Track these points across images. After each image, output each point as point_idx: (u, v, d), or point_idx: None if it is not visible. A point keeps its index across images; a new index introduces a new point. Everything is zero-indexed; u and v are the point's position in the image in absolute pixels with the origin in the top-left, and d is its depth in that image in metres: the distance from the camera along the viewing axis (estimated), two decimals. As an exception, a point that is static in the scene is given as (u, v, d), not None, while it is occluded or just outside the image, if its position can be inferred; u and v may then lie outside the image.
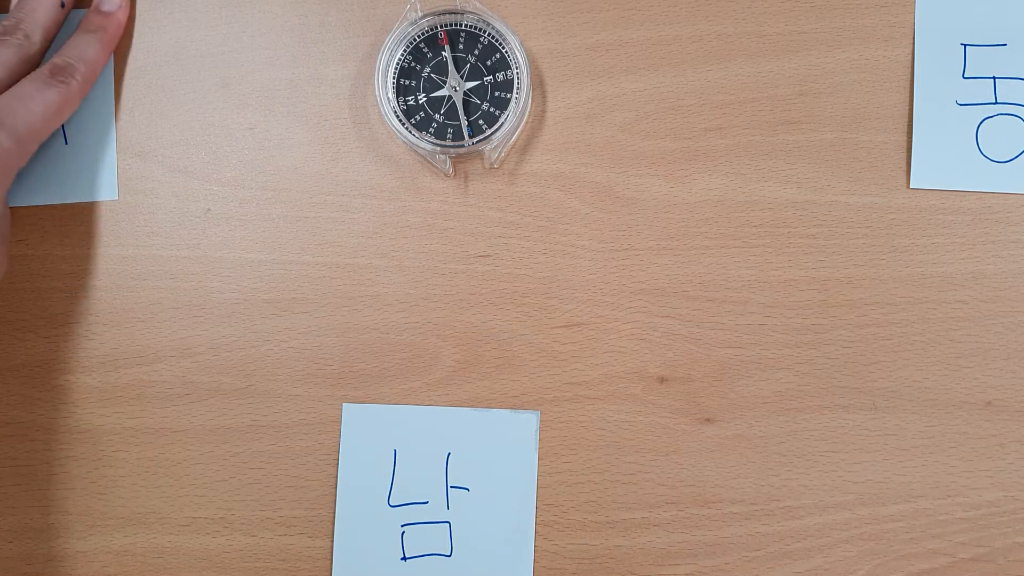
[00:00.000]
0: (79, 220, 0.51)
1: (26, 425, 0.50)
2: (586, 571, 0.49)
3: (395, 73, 0.49)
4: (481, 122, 0.49)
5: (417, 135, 0.48)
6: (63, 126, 0.51)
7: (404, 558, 0.49)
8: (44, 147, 0.51)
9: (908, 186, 0.49)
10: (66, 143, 0.51)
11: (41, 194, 0.51)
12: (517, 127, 0.49)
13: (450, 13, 0.49)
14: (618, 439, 0.49)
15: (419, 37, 0.49)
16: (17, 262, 0.51)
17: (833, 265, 0.49)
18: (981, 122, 0.49)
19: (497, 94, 0.49)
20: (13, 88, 0.46)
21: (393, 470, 0.49)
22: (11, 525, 0.50)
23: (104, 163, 0.51)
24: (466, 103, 0.49)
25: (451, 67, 0.49)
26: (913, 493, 0.48)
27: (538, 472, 0.49)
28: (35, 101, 0.46)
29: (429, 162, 0.50)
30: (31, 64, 0.48)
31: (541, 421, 0.49)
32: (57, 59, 0.48)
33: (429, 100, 0.49)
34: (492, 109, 0.49)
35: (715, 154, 0.50)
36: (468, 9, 0.48)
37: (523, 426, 0.49)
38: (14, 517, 0.50)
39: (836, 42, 0.50)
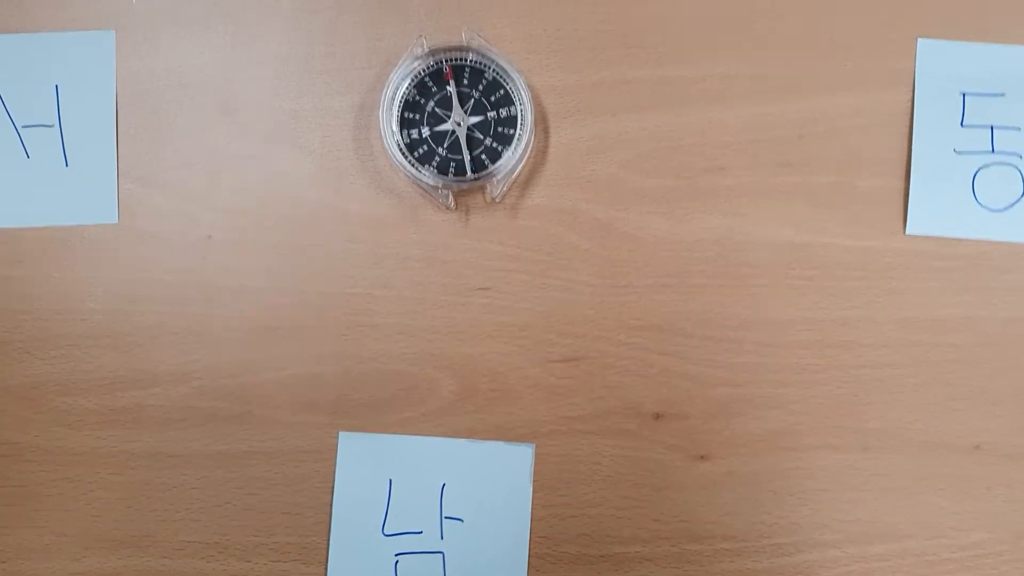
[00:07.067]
0: (79, 243, 0.51)
1: (23, 446, 0.50)
2: (578, 604, 0.49)
3: (400, 106, 0.49)
4: (484, 157, 0.49)
5: (420, 169, 0.49)
6: (64, 148, 0.51)
7: (398, 588, 0.49)
8: (45, 169, 0.51)
9: (904, 231, 0.50)
10: (67, 166, 0.51)
11: (41, 216, 0.51)
12: (519, 162, 0.49)
13: (456, 49, 0.49)
14: (613, 474, 0.50)
15: (424, 71, 0.49)
16: (16, 283, 0.51)
17: (829, 307, 0.50)
18: (978, 171, 0.49)
19: (500, 129, 0.49)
20: None
21: (388, 499, 0.50)
22: (5, 545, 0.50)
23: (105, 187, 0.51)
24: (469, 138, 0.49)
25: (455, 102, 0.49)
26: (901, 533, 0.49)
27: (532, 505, 0.49)
28: None
29: (431, 195, 0.50)
30: None
31: (536, 454, 0.50)
32: None
33: (433, 134, 0.49)
34: (495, 144, 0.49)
35: (715, 194, 0.50)
36: (473, 47, 0.49)
37: (518, 459, 0.50)
38: (9, 537, 0.50)
39: (837, 86, 0.50)
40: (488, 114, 0.49)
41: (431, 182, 0.48)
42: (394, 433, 0.50)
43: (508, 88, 0.49)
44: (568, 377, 0.50)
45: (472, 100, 0.49)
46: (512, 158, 0.49)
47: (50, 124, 0.51)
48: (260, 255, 0.51)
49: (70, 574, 0.50)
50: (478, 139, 0.49)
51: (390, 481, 0.50)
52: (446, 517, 0.50)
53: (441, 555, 0.49)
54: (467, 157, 0.49)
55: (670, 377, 0.50)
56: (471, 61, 0.49)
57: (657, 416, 0.50)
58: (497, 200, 0.50)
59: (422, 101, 0.49)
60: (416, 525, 0.50)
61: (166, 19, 0.51)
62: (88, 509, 0.50)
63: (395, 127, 0.49)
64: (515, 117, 0.49)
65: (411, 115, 0.49)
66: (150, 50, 0.51)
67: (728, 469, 0.49)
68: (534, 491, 0.50)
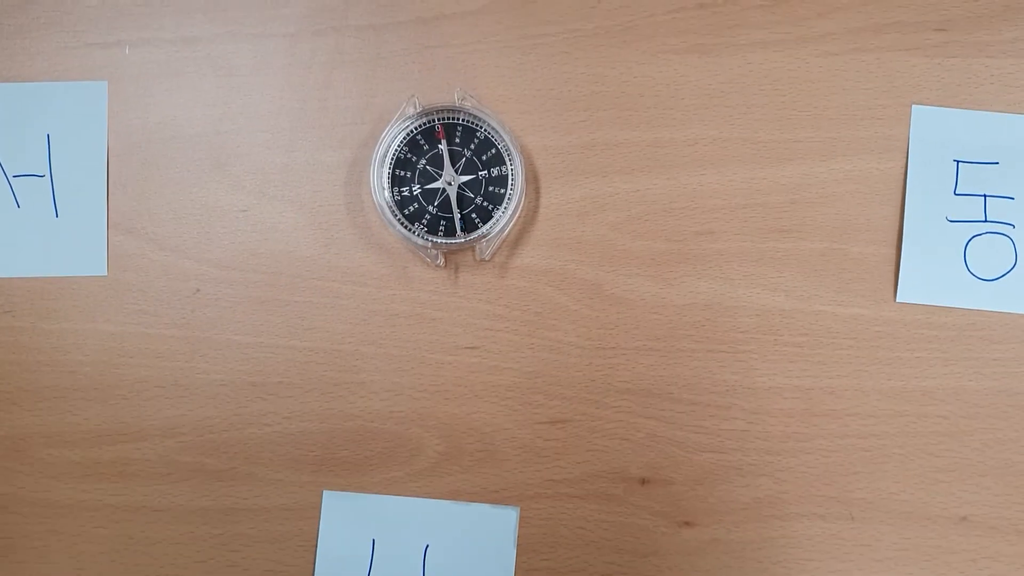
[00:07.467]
0: (67, 294, 0.51)
1: (7, 497, 0.50)
2: (559, 669, 0.49)
3: (391, 163, 0.49)
4: (474, 216, 0.49)
5: (409, 228, 0.48)
6: (54, 199, 0.51)
7: (379, 648, 0.49)
8: (35, 220, 0.51)
9: (895, 299, 0.49)
10: (57, 216, 0.51)
11: (30, 267, 0.51)
12: (510, 222, 0.49)
13: (448, 109, 0.49)
14: (597, 538, 0.49)
15: (416, 129, 0.49)
16: (3, 334, 0.51)
17: (817, 374, 0.49)
18: (970, 240, 0.49)
19: (491, 189, 0.49)
20: None
21: (371, 560, 0.49)
22: (-13, 595, 0.50)
23: (94, 238, 0.51)
24: (460, 196, 0.49)
25: (447, 161, 0.49)
26: (886, 604, 0.49)
27: (515, 568, 0.49)
28: None
29: (420, 252, 0.50)
30: None
31: (521, 517, 0.49)
32: None
33: (423, 192, 0.49)
34: (485, 203, 0.49)
35: (705, 258, 0.50)
36: (465, 106, 0.48)
37: (502, 522, 0.49)
38: (-10, 588, 0.50)
39: (830, 152, 0.50)
40: (479, 173, 0.49)
41: (420, 242, 0.48)
42: (378, 493, 0.50)
43: (500, 148, 0.49)
44: (554, 439, 0.50)
45: (464, 159, 0.49)
46: (502, 218, 0.49)
47: (41, 174, 0.51)
48: (248, 309, 0.51)
49: (52, 625, 0.50)
50: (469, 198, 0.49)
51: (373, 541, 0.50)
52: (429, 578, 0.49)
53: (423, 616, 0.49)
54: (457, 216, 0.49)
55: (656, 442, 0.49)
56: (463, 120, 0.49)
57: (643, 481, 0.49)
58: (487, 259, 0.50)
59: (413, 159, 0.49)
60: (399, 585, 0.50)
61: (159, 71, 0.51)
62: (72, 562, 0.50)
63: (386, 184, 0.49)
64: (506, 177, 0.49)
65: (402, 172, 0.49)
66: (143, 102, 0.51)
67: (713, 536, 0.49)
68: (517, 554, 0.49)
